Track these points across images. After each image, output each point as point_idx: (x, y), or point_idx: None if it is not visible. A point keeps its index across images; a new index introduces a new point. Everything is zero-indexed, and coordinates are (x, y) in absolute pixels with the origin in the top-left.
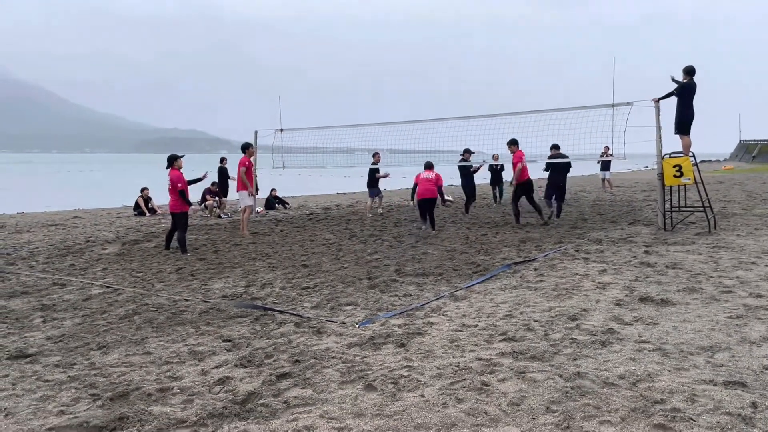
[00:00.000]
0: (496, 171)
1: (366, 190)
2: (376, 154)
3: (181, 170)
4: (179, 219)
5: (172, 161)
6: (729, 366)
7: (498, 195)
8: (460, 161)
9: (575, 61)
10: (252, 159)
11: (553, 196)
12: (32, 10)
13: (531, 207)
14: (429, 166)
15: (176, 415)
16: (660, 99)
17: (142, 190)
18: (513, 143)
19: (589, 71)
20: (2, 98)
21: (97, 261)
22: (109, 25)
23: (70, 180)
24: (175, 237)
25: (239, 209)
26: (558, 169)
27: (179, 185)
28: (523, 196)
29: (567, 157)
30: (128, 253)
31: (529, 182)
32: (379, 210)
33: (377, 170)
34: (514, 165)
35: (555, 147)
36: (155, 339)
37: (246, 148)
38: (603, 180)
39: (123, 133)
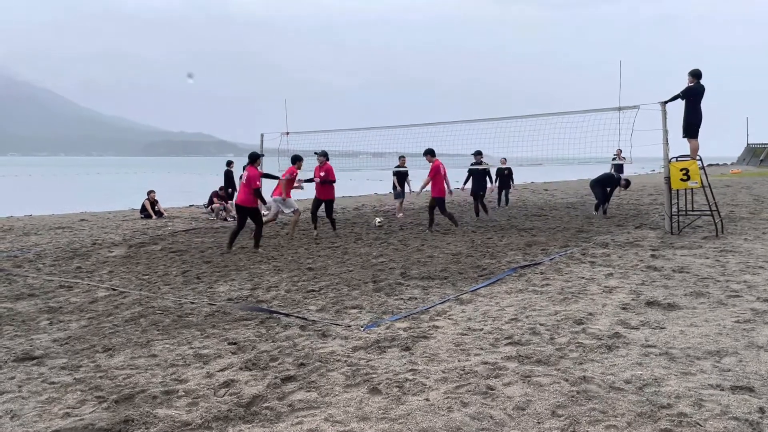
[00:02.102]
0: (504, 175)
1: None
2: (401, 158)
3: (260, 169)
4: (253, 214)
5: (255, 159)
6: (736, 371)
7: (505, 199)
8: (472, 164)
9: (582, 63)
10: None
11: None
12: (38, 11)
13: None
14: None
15: (181, 417)
16: (667, 102)
17: (149, 193)
18: (430, 153)
19: (596, 73)
20: (10, 99)
21: (103, 264)
22: (116, 26)
23: (89, 183)
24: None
25: (267, 213)
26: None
27: (257, 183)
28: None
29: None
30: (134, 256)
31: (443, 199)
32: (400, 214)
33: (405, 173)
34: (430, 176)
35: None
36: (161, 342)
37: (296, 160)
38: None
39: (130, 135)
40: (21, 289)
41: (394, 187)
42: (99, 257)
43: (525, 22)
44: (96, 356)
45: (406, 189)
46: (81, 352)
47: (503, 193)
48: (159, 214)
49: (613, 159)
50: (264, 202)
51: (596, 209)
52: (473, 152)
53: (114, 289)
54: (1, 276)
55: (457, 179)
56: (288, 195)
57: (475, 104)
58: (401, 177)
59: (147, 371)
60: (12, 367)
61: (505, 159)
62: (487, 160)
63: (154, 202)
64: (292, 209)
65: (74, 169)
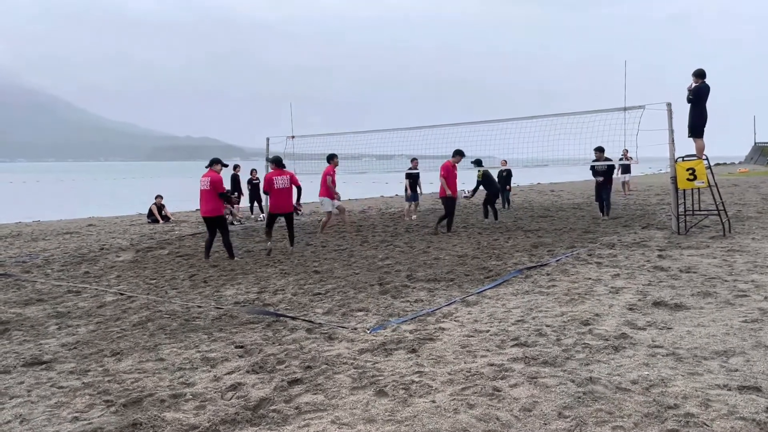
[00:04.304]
0: (503, 177)
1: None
2: (414, 160)
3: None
4: (220, 223)
5: (215, 163)
6: (743, 371)
7: (506, 201)
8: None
9: (591, 64)
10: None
11: (602, 197)
12: (43, 17)
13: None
14: (278, 162)
15: (189, 421)
16: (690, 100)
17: (156, 197)
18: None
19: (604, 73)
20: (18, 106)
21: (111, 268)
22: (120, 31)
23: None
24: (219, 243)
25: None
26: (601, 172)
27: (223, 187)
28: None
29: (610, 160)
30: (142, 261)
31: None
32: (413, 216)
33: (417, 175)
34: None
35: (600, 150)
36: (168, 345)
37: (331, 158)
38: (623, 183)
39: (136, 140)
40: (30, 295)
41: (406, 190)
42: (107, 262)
43: (533, 22)
44: (104, 360)
45: (418, 191)
46: (89, 356)
47: (505, 195)
48: (166, 218)
49: (621, 159)
50: (230, 202)
51: (601, 211)
52: (473, 160)
53: (122, 294)
54: (10, 281)
55: (463, 181)
56: (327, 194)
57: (482, 105)
58: (414, 180)
59: (155, 375)
60: (21, 372)
61: (506, 161)
62: (487, 162)
63: (161, 207)
64: (325, 210)
65: (82, 175)
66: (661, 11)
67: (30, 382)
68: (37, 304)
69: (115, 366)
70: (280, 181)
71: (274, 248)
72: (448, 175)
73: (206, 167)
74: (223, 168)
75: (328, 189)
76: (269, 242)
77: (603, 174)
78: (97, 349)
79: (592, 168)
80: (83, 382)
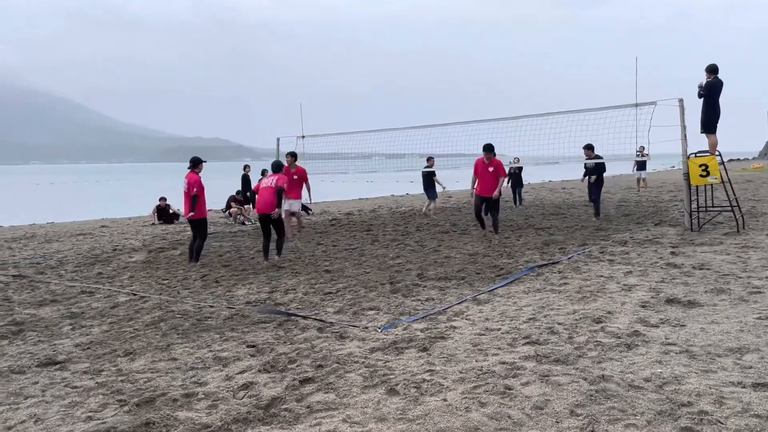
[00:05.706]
0: (516, 174)
1: (423, 193)
2: (430, 159)
3: (200, 174)
4: (193, 224)
5: (196, 164)
6: (758, 367)
7: (518, 198)
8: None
9: (598, 64)
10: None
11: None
12: (52, 21)
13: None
14: (274, 166)
15: (201, 420)
16: (701, 96)
17: (160, 199)
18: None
19: (612, 74)
20: (31, 110)
21: (124, 269)
22: (129, 32)
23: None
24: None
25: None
26: (590, 170)
27: (194, 189)
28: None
29: (601, 158)
30: (154, 261)
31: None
32: (424, 212)
33: (433, 173)
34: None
35: (589, 147)
36: (181, 345)
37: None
38: (638, 180)
39: (146, 142)
40: (44, 296)
41: (427, 188)
42: (119, 263)
43: (540, 23)
44: (117, 360)
45: (436, 189)
46: (103, 356)
47: (517, 192)
48: (175, 216)
49: (637, 155)
50: (192, 210)
51: (596, 211)
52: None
53: (134, 294)
54: (25, 283)
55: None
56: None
57: (493, 105)
58: (429, 177)
59: (167, 374)
60: (36, 372)
61: (518, 158)
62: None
63: (164, 208)
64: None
65: (94, 176)
66: (671, 7)
67: (44, 382)
68: (51, 305)
69: (128, 366)
70: (266, 181)
71: (285, 248)
72: (477, 172)
73: (188, 168)
74: (203, 164)
75: (297, 190)
76: (265, 261)
77: (593, 172)
78: (110, 349)
79: (585, 167)
80: (97, 382)
